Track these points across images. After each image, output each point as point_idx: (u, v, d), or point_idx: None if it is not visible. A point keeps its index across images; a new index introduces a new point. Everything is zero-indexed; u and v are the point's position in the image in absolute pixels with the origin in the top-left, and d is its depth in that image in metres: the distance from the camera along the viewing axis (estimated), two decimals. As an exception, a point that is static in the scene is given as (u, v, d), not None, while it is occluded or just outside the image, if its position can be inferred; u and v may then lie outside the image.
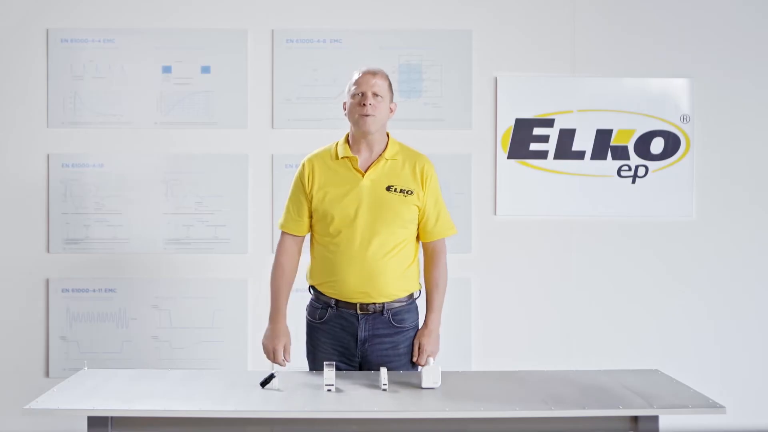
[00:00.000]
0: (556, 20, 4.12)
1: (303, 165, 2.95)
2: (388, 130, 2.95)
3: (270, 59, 4.09)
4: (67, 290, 4.07)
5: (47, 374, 4.05)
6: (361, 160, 2.88)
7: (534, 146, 4.14)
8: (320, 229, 2.90)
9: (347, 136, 2.94)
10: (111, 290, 4.08)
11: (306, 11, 4.10)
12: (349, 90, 2.87)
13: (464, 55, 4.12)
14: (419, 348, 2.90)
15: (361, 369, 2.88)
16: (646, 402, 2.44)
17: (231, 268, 4.07)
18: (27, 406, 2.38)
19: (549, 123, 4.14)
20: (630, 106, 4.15)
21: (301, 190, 2.92)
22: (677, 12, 4.14)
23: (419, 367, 2.64)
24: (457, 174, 4.12)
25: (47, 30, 4.05)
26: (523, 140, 4.13)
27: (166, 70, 4.08)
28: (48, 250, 4.06)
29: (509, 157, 4.13)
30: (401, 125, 4.07)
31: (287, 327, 2.94)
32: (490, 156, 4.14)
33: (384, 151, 2.89)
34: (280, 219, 3.00)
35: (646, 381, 2.70)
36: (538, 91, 4.14)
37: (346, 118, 2.90)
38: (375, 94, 2.83)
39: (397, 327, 2.89)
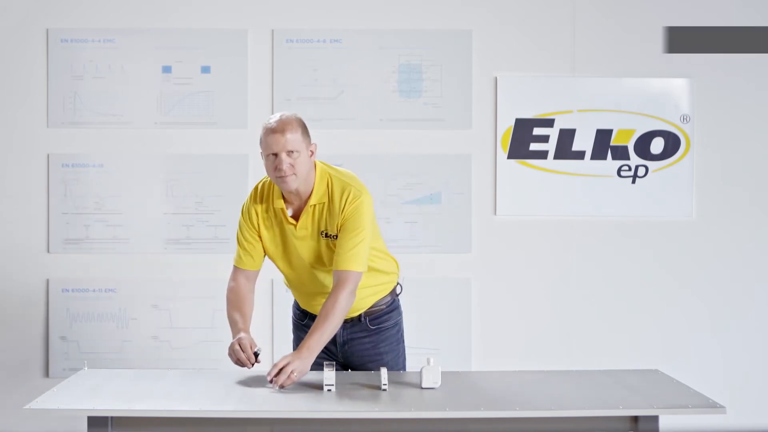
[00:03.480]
0: (556, 20, 4.12)
1: (248, 210, 2.79)
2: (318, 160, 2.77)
3: (270, 59, 4.09)
4: (67, 290, 4.07)
5: (47, 374, 4.05)
6: (292, 209, 2.74)
7: (534, 146, 4.14)
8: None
9: None
10: (111, 290, 4.08)
11: (306, 11, 4.10)
12: (261, 146, 2.67)
13: (464, 55, 4.11)
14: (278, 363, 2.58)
15: (344, 369, 2.87)
16: (646, 402, 2.44)
17: (231, 268, 4.05)
18: (27, 406, 2.38)
19: (549, 123, 4.13)
20: (630, 106, 4.15)
21: (251, 231, 2.78)
22: (677, 12, 4.14)
23: (421, 368, 2.62)
24: (457, 174, 4.11)
25: (47, 30, 4.05)
26: (523, 140, 4.13)
27: (166, 70, 4.08)
28: (48, 250, 4.06)
29: (509, 157, 4.13)
30: (402, 125, 4.09)
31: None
32: (490, 156, 4.14)
33: (309, 197, 2.70)
34: (236, 256, 2.84)
35: (646, 381, 2.70)
36: (538, 91, 4.13)
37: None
38: (289, 152, 2.61)
39: (373, 329, 2.87)
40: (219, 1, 4.09)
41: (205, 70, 4.08)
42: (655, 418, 2.40)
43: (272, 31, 4.09)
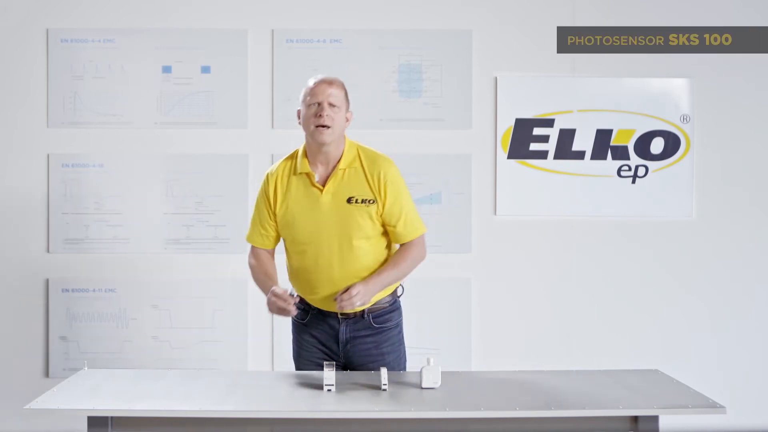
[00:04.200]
0: (556, 20, 4.12)
1: (267, 178, 2.86)
2: (346, 134, 2.85)
3: (270, 59, 4.09)
4: (67, 290, 4.07)
5: (47, 374, 4.05)
6: (319, 174, 2.79)
7: (534, 146, 4.14)
8: (289, 245, 2.86)
9: (305, 147, 2.84)
10: (111, 290, 4.08)
11: (306, 11, 4.10)
12: (304, 99, 2.77)
13: (464, 55, 4.11)
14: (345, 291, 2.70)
15: (345, 369, 2.86)
16: (646, 402, 2.44)
17: (231, 268, 4.07)
18: (27, 406, 2.38)
19: (549, 123, 4.14)
20: (630, 106, 4.15)
21: (266, 204, 2.85)
22: (677, 12, 4.13)
23: (421, 368, 2.63)
24: (457, 174, 4.12)
25: (47, 30, 4.05)
26: (523, 140, 4.13)
27: (166, 70, 4.08)
28: (48, 250, 4.06)
29: (509, 157, 4.14)
30: (402, 125, 4.09)
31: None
32: (490, 156, 4.14)
33: (339, 161, 2.78)
34: (249, 232, 2.92)
35: (646, 381, 2.70)
36: (538, 91, 4.14)
37: (301, 127, 2.81)
38: (331, 105, 2.72)
39: (377, 328, 2.86)
40: (219, 1, 4.09)
41: (205, 70, 4.09)
42: (655, 418, 2.40)
43: (272, 31, 4.09)
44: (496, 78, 4.14)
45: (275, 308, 2.72)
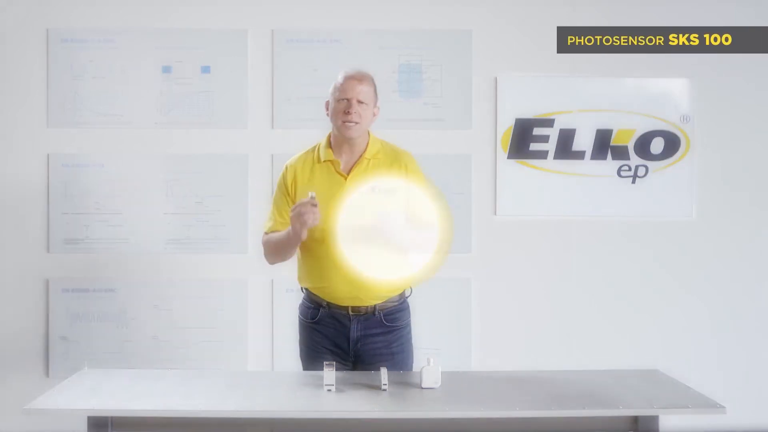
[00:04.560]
0: (557, 20, 4.12)
1: (286, 169, 2.91)
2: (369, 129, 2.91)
3: (270, 59, 4.09)
4: (67, 290, 4.07)
5: (47, 374, 4.05)
6: (343, 162, 2.86)
7: (534, 146, 4.14)
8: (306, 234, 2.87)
9: (329, 137, 2.91)
10: (111, 290, 4.08)
11: (306, 11, 4.10)
12: (334, 92, 2.85)
13: (464, 55, 4.11)
14: None
15: (354, 368, 2.87)
16: (646, 402, 2.44)
17: (231, 268, 4.07)
18: (27, 406, 2.38)
19: (549, 123, 4.14)
20: (630, 106, 4.15)
21: (285, 193, 2.88)
22: (677, 12, 4.13)
23: (421, 368, 2.63)
24: (457, 174, 4.11)
25: (47, 30, 4.05)
26: (523, 140, 4.13)
27: (166, 70, 4.08)
28: (48, 250, 4.06)
29: (509, 157, 4.13)
30: (402, 125, 4.08)
31: None
32: (490, 156, 4.14)
33: (365, 151, 2.87)
34: (266, 223, 2.93)
35: (646, 381, 2.70)
36: (538, 91, 4.13)
37: (328, 118, 2.87)
38: (360, 102, 2.80)
39: (389, 326, 2.88)
40: (219, 1, 4.09)
41: (205, 70, 4.08)
42: (655, 418, 2.41)
43: (272, 31, 4.09)
44: (496, 78, 4.14)
45: (300, 218, 2.64)
